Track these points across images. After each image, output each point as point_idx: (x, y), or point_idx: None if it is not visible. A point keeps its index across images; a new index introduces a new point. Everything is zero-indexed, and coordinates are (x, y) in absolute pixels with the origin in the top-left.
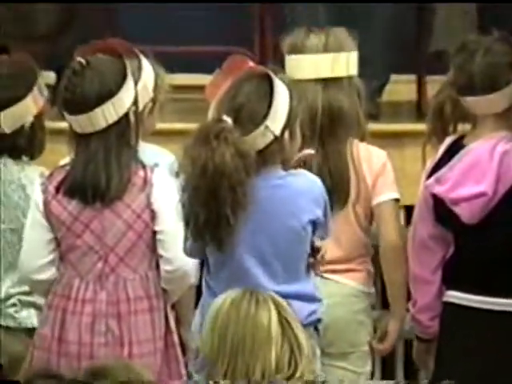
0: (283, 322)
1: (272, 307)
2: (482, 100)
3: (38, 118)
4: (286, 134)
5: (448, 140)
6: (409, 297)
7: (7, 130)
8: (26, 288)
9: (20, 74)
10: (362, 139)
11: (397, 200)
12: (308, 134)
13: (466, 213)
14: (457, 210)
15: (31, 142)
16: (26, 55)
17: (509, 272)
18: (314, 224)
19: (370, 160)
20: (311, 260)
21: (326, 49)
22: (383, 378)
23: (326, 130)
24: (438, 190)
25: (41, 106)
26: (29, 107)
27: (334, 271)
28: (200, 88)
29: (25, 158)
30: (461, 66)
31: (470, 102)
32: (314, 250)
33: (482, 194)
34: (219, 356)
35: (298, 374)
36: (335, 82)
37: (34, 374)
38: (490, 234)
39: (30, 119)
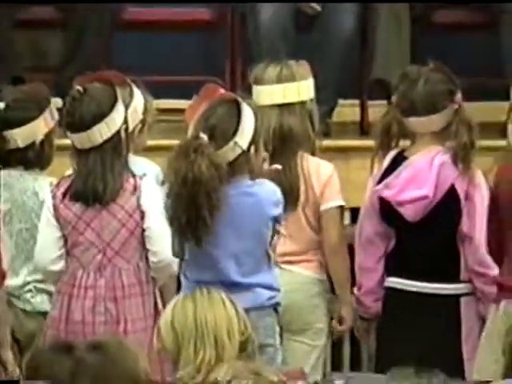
0: (233, 302)
1: (222, 294)
2: (423, 121)
3: (48, 136)
4: (252, 149)
5: (392, 153)
6: (353, 283)
7: (20, 145)
8: (40, 276)
9: (34, 99)
10: (313, 153)
11: (341, 206)
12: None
13: (411, 212)
14: (402, 210)
15: (40, 156)
16: (41, 84)
17: (443, 262)
18: (275, 220)
19: (318, 171)
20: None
21: (278, 80)
22: (333, 352)
23: (277, 147)
24: (387, 194)
25: (51, 126)
26: (40, 127)
27: (290, 262)
28: (180, 111)
29: (36, 169)
30: (404, 93)
31: (413, 122)
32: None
33: (424, 197)
34: (184, 342)
35: (252, 337)
36: (288, 107)
37: (47, 348)
38: (429, 231)
39: (40, 137)
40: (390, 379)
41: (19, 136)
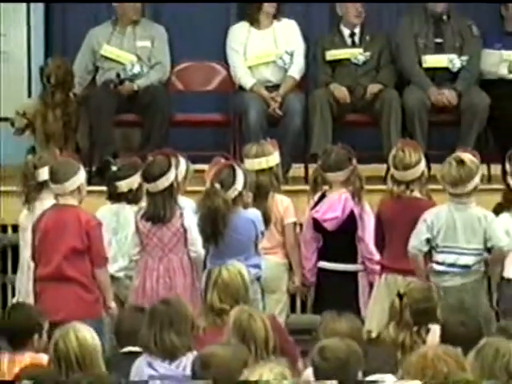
0: (247, 271)
1: (240, 266)
2: (334, 175)
3: (140, 185)
4: (244, 192)
5: (319, 193)
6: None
7: (125, 190)
8: (131, 265)
9: (132, 166)
10: (279, 193)
11: (294, 222)
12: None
13: (330, 226)
14: (325, 224)
15: (135, 196)
16: (136, 158)
17: (348, 253)
18: (260, 230)
19: (281, 203)
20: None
21: (255, 156)
22: (291, 303)
23: (256, 193)
24: (316, 215)
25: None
26: (135, 180)
27: (266, 253)
28: (203, 172)
29: (132, 204)
30: (324, 160)
31: (329, 176)
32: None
33: (337, 217)
34: (214, 292)
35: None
36: (261, 171)
37: (127, 309)
38: (340, 235)
39: (136, 185)
40: (324, 317)
41: (124, 185)
